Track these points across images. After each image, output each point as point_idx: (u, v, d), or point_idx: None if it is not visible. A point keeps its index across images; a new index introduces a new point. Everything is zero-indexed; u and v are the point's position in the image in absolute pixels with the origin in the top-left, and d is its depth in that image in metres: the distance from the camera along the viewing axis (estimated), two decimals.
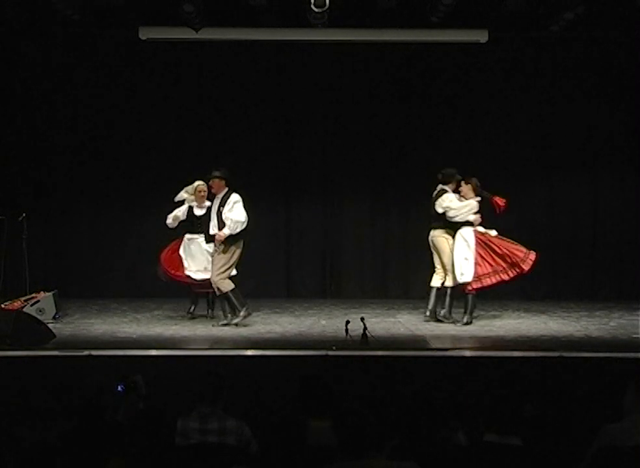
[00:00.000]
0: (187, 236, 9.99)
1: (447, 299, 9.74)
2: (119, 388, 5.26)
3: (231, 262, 9.46)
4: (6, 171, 12.07)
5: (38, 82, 12.16)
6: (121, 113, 12.15)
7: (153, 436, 3.86)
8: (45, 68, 12.13)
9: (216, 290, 9.51)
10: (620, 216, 12.23)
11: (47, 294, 10.09)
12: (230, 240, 9.39)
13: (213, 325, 9.55)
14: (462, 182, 9.80)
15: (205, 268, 9.77)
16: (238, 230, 9.40)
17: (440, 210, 9.71)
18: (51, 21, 11.06)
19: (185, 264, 9.91)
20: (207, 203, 9.84)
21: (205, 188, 9.88)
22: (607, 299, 11.76)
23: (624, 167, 12.23)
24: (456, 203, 9.70)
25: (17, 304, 9.76)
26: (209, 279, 9.60)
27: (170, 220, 9.97)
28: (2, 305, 9.63)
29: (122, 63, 12.08)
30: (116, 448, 3.97)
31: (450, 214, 9.67)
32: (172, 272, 9.99)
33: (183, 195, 10.05)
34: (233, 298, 9.42)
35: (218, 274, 9.40)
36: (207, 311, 10.16)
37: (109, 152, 12.15)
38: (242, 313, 9.41)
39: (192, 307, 10.16)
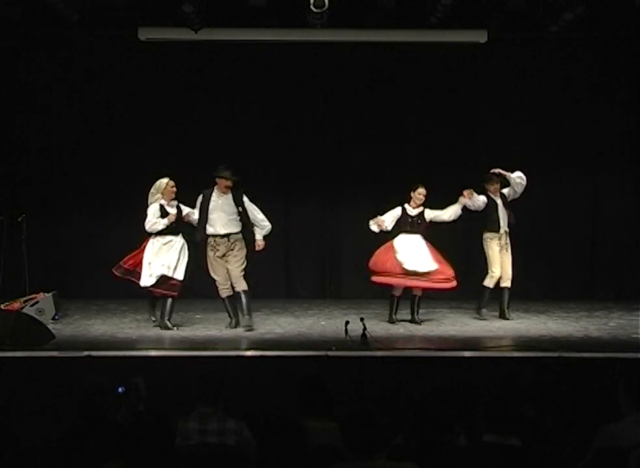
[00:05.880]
0: (160, 239, 9.40)
1: (487, 297, 10.19)
2: (119, 389, 5.26)
3: None
4: (6, 171, 12.07)
5: (36, 83, 12.15)
6: (120, 114, 12.15)
7: (152, 437, 3.86)
8: (44, 68, 12.12)
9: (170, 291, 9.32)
10: (620, 216, 12.21)
11: (47, 294, 10.07)
12: None
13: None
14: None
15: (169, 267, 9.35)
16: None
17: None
18: (50, 21, 11.06)
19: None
20: (175, 202, 9.46)
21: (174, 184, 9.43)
22: (606, 299, 11.76)
23: (624, 167, 12.22)
24: None
25: (16, 305, 9.75)
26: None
27: (162, 224, 9.31)
28: (2, 306, 9.63)
29: (121, 63, 12.08)
30: (116, 449, 3.97)
31: None
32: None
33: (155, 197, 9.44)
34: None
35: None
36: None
37: (108, 153, 12.15)
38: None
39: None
